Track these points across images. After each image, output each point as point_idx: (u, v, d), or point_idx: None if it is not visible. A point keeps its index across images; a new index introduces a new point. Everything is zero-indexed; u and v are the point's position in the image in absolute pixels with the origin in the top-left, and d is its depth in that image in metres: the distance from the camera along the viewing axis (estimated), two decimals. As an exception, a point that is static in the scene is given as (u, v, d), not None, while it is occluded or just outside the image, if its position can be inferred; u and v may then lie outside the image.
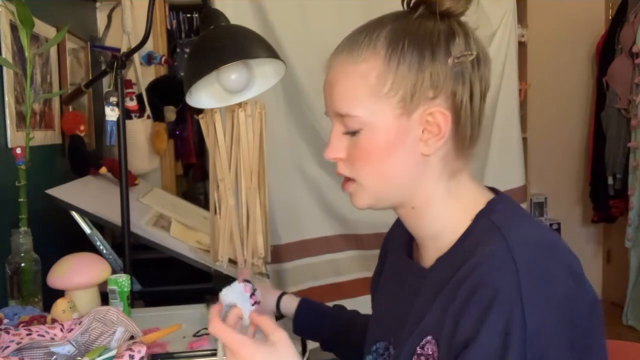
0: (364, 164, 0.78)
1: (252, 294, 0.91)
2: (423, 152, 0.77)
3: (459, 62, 0.74)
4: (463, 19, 0.79)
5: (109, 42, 2.74)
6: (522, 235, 0.73)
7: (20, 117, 1.62)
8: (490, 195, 0.83)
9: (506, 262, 0.69)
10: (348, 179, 0.82)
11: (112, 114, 1.53)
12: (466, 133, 0.78)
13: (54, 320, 1.22)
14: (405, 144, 0.77)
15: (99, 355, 1.05)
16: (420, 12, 0.77)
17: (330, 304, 1.25)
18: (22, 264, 1.39)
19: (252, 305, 0.89)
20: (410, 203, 0.82)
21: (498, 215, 0.77)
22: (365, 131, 0.77)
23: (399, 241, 0.94)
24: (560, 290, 0.68)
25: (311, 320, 1.20)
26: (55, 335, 1.10)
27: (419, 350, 0.76)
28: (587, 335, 0.69)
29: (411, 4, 0.78)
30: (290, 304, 1.21)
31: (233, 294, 0.89)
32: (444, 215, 0.81)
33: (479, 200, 0.81)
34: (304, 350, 1.21)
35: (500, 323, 0.66)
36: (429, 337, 0.75)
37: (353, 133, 0.78)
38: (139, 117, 2.52)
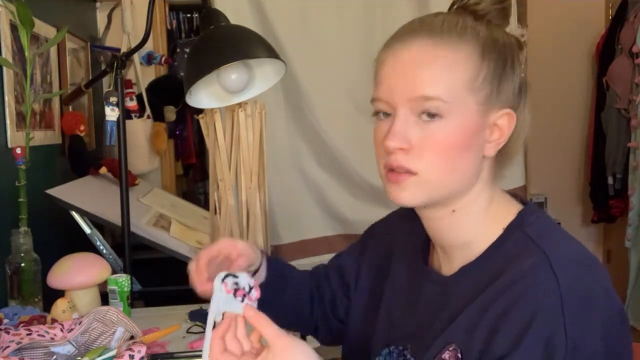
0: (434, 156, 0.73)
1: (238, 289, 0.74)
2: (485, 153, 0.77)
3: (522, 75, 0.78)
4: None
5: (109, 42, 2.73)
6: (562, 252, 0.72)
7: (20, 117, 1.62)
8: (517, 205, 0.81)
9: (548, 279, 0.68)
10: (404, 172, 0.74)
11: (112, 114, 1.53)
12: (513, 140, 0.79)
13: (54, 320, 1.22)
14: (476, 142, 0.75)
15: (99, 355, 1.05)
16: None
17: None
18: (22, 264, 1.39)
19: (243, 301, 0.74)
20: (453, 205, 0.78)
21: (532, 229, 0.76)
22: (445, 121, 0.72)
23: (410, 244, 0.91)
24: (600, 309, 0.68)
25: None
26: (55, 335, 1.10)
27: (441, 358, 0.75)
28: (620, 347, 0.70)
29: (455, 7, 0.79)
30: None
31: (218, 302, 0.74)
32: (478, 222, 0.79)
33: (509, 209, 0.80)
34: None
35: (541, 342, 0.66)
36: (452, 346, 0.74)
37: (430, 117, 0.72)
38: (139, 117, 2.52)
